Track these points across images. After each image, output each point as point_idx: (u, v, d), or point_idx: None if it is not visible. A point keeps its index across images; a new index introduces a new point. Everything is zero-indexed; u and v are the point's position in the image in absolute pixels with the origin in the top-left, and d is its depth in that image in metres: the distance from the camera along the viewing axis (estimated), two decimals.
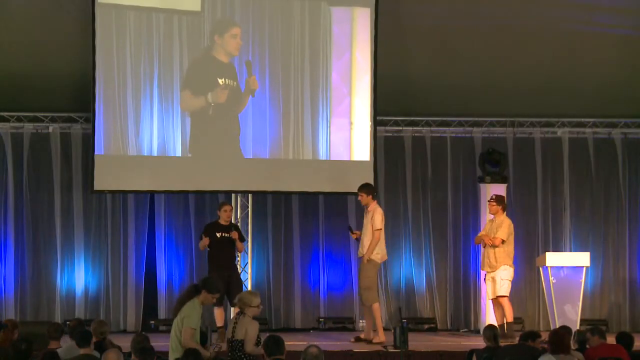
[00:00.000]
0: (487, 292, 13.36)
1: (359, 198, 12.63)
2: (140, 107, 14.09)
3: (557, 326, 12.01)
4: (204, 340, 8.68)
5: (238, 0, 14.21)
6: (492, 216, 13.32)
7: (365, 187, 12.65)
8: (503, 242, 12.96)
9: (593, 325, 11.02)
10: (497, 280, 12.96)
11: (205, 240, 12.59)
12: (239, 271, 13.46)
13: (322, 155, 14.35)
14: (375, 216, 12.44)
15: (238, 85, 14.16)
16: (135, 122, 14.08)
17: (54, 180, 14.87)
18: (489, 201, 13.37)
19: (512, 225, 13.13)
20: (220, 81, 14.11)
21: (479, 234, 13.46)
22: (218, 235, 12.61)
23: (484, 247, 13.18)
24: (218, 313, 12.67)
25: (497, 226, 13.08)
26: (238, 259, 14.38)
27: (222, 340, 12.25)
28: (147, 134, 14.10)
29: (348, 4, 14.39)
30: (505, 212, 13.24)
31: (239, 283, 13.04)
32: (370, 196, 12.56)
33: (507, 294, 13.00)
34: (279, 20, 14.26)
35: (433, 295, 15.31)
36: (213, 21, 14.18)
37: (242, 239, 13.10)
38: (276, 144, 14.31)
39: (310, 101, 14.32)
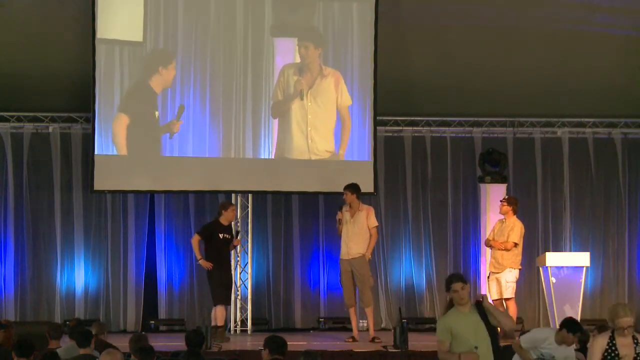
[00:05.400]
0: (488, 291, 13.35)
1: (344, 197, 12.70)
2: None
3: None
4: (201, 340, 8.65)
5: (180, 30, 14.08)
6: (502, 217, 13.28)
7: (351, 187, 12.72)
8: (516, 245, 12.95)
9: (600, 325, 10.97)
10: (502, 282, 12.95)
11: (209, 264, 12.57)
12: (239, 271, 13.48)
13: (322, 155, 14.32)
14: (371, 214, 12.64)
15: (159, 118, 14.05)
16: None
17: (54, 180, 14.87)
18: (500, 200, 13.34)
19: (523, 228, 13.09)
20: (156, 113, 14.01)
21: (487, 238, 13.44)
22: (221, 236, 12.62)
23: (491, 248, 13.18)
24: (219, 312, 12.65)
25: (509, 229, 13.03)
26: (238, 258, 14.42)
27: (221, 339, 12.24)
28: (147, 134, 14.08)
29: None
30: (515, 215, 13.19)
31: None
32: (355, 195, 12.65)
33: (513, 296, 13.02)
34: (221, 51, 14.09)
35: (433, 295, 15.31)
36: (156, 51, 14.06)
37: (237, 235, 13.24)
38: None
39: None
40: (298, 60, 14.27)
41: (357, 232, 12.60)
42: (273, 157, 14.18)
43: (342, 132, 14.30)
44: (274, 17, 14.17)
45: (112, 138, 13.90)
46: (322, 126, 14.27)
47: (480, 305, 7.47)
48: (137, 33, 13.95)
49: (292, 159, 14.21)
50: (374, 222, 12.66)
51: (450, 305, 7.62)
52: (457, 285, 7.47)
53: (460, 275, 7.69)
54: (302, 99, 14.17)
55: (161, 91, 14.01)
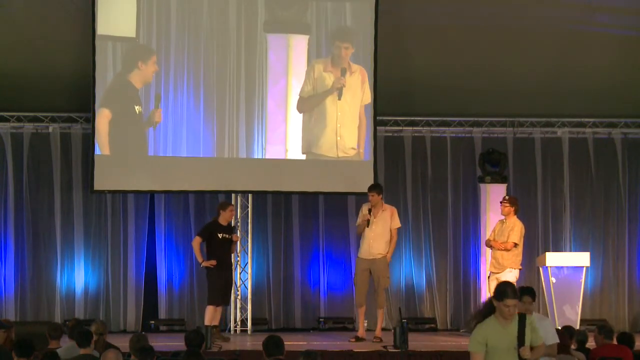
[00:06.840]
0: (488, 291, 13.34)
1: (371, 198, 12.62)
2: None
3: (557, 326, 12.02)
4: (201, 340, 8.65)
5: (173, 26, 14.08)
6: (502, 217, 13.27)
7: (377, 187, 12.78)
8: (516, 245, 12.94)
9: (601, 324, 10.97)
10: None
11: (212, 262, 12.54)
12: (239, 271, 13.44)
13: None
14: (395, 215, 12.66)
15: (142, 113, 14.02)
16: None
17: (54, 180, 14.88)
18: (501, 201, 13.29)
19: (523, 229, 13.05)
20: (137, 108, 14.01)
21: (488, 238, 13.43)
22: (220, 236, 12.61)
23: (492, 249, 13.17)
24: (217, 311, 12.64)
25: (509, 229, 13.02)
26: (238, 258, 14.42)
27: (218, 337, 12.23)
28: (147, 134, 14.08)
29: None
30: (517, 215, 13.17)
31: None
32: (380, 196, 12.66)
33: None
34: (214, 48, 14.09)
35: (433, 295, 15.31)
36: (137, 47, 14.02)
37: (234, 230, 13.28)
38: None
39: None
40: (290, 56, 14.25)
41: (380, 233, 12.56)
42: (286, 157, 14.21)
43: (359, 130, 14.30)
44: (267, 13, 14.16)
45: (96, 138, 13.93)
46: (350, 123, 14.27)
47: (523, 318, 7.04)
48: (131, 29, 13.97)
49: (298, 159, 14.24)
50: (397, 223, 12.69)
51: (488, 312, 7.09)
52: (511, 302, 6.91)
53: (516, 292, 7.04)
54: (339, 98, 14.17)
55: (143, 86, 13.98)
